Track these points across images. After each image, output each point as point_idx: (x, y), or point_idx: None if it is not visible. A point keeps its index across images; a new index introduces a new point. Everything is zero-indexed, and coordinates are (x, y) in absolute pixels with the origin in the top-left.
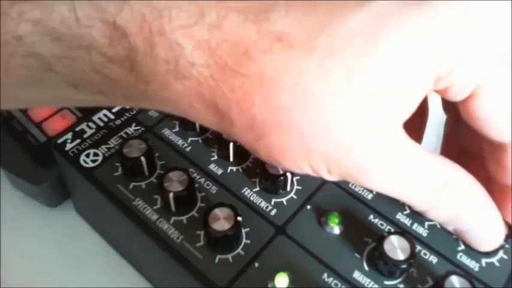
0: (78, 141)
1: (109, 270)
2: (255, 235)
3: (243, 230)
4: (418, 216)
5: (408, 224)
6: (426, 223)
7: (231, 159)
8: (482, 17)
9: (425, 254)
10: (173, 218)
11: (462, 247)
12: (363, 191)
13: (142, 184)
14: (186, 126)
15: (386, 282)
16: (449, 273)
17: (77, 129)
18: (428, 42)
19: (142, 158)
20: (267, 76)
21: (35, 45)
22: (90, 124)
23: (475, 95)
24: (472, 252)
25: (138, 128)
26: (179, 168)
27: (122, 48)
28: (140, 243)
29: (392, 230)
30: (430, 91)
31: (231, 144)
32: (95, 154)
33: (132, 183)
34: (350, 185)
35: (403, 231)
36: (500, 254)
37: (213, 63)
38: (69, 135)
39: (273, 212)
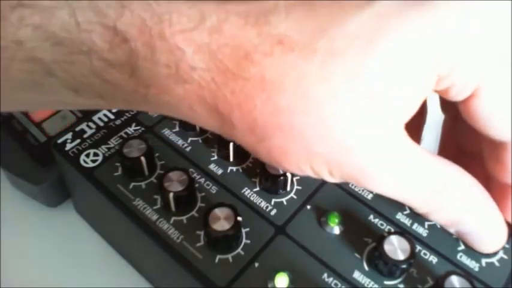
0: (78, 141)
1: (109, 270)
2: (255, 235)
3: (243, 230)
4: (418, 216)
5: (408, 224)
6: (426, 223)
7: (231, 159)
8: (482, 16)
9: (425, 254)
10: (173, 218)
11: (462, 247)
12: (363, 191)
13: (142, 184)
14: (186, 126)
15: (386, 282)
16: (449, 273)
17: (77, 129)
18: (429, 43)
19: (142, 158)
20: (268, 79)
21: (35, 50)
22: (90, 124)
23: (475, 95)
24: (472, 252)
25: (138, 128)
26: (179, 168)
27: (122, 53)
28: (140, 243)
29: (392, 230)
30: (431, 91)
31: (231, 144)
32: (95, 154)
33: (132, 183)
34: (350, 185)
35: (403, 231)
36: (500, 254)
37: (214, 67)
38: (69, 135)
39: (273, 212)
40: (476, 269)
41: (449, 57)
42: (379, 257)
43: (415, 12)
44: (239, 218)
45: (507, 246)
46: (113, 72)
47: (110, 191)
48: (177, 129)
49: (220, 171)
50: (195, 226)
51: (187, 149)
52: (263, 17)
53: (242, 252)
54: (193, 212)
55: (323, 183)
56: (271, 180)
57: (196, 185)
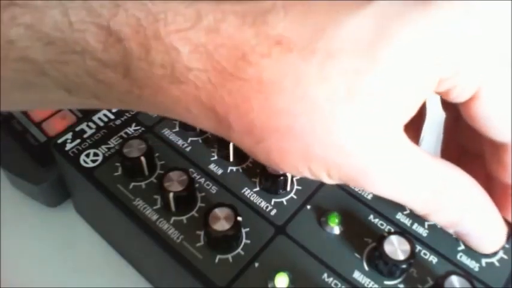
0: (78, 141)
1: (109, 270)
2: (255, 235)
3: (243, 230)
4: (418, 216)
5: (408, 224)
6: (426, 223)
7: (231, 159)
8: (482, 17)
9: (425, 254)
10: (173, 218)
11: (462, 247)
12: (363, 191)
13: (142, 184)
14: (186, 126)
15: (386, 282)
16: (449, 273)
17: (77, 129)
18: (430, 45)
19: (142, 158)
20: (266, 80)
21: (27, 50)
22: (90, 124)
23: (476, 97)
24: (472, 252)
25: (138, 128)
26: (179, 168)
27: (116, 53)
28: (140, 243)
29: (392, 230)
30: (432, 93)
31: (231, 144)
32: (95, 154)
33: (132, 183)
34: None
35: (403, 231)
36: (500, 254)
37: (211, 68)
38: (69, 135)
39: (273, 212)
40: (476, 269)
41: (451, 58)
42: (379, 257)
43: (416, 13)
44: (239, 218)
45: (507, 246)
46: (107, 72)
47: (110, 191)
48: (177, 129)
49: (220, 171)
50: (195, 226)
51: (187, 149)
52: (261, 16)
53: (242, 252)
54: (193, 212)
55: (323, 183)
56: (271, 180)
57: (196, 185)
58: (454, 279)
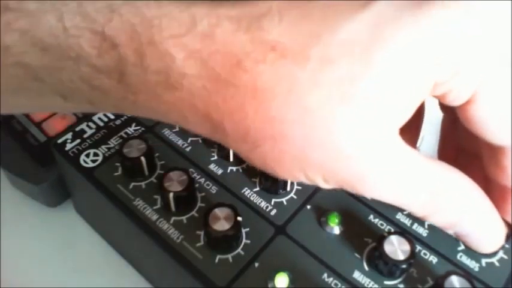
0: (78, 141)
1: (109, 270)
2: (255, 235)
3: (243, 230)
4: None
5: (408, 224)
6: (426, 223)
7: (231, 159)
8: (482, 17)
9: (425, 254)
10: (173, 218)
11: (462, 247)
12: None
13: (142, 184)
14: None
15: (386, 282)
16: (449, 273)
17: (77, 129)
18: (426, 47)
19: (142, 158)
20: (260, 87)
21: (22, 55)
22: (90, 124)
23: (473, 101)
24: (472, 252)
25: (138, 128)
26: (179, 168)
27: (110, 59)
28: (140, 243)
29: (392, 230)
30: (428, 96)
31: None
32: (95, 154)
33: (132, 183)
34: None
35: (403, 231)
36: (500, 254)
37: (205, 74)
38: (69, 135)
39: (273, 212)
40: (476, 269)
41: (449, 59)
42: (379, 257)
43: (412, 17)
44: (239, 218)
45: (507, 246)
46: (101, 78)
47: (110, 191)
48: (177, 129)
49: (220, 171)
50: (195, 226)
51: (187, 149)
52: (256, 22)
53: (242, 252)
54: (193, 212)
55: None
56: (271, 180)
57: (196, 185)
58: (454, 279)
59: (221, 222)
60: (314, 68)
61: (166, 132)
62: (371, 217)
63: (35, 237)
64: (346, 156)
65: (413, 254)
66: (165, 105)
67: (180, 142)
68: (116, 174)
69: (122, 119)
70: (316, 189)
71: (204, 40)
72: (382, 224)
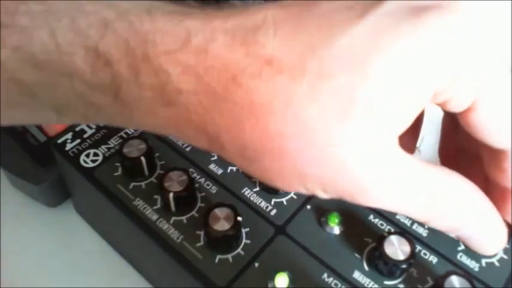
0: (78, 141)
1: (109, 270)
2: (255, 235)
3: (243, 230)
4: None
5: (408, 224)
6: None
7: None
8: (482, 20)
9: (425, 254)
10: (173, 218)
11: (462, 247)
12: None
13: (142, 184)
14: None
15: (386, 282)
16: (449, 273)
17: (77, 129)
18: (424, 59)
19: (142, 158)
20: (257, 102)
21: (15, 71)
22: (90, 124)
23: (474, 107)
24: (472, 252)
25: None
26: (179, 168)
27: (105, 76)
28: (140, 243)
29: (392, 230)
30: (427, 105)
31: None
32: (95, 154)
33: (132, 183)
34: None
35: (403, 231)
36: (500, 254)
37: (201, 90)
38: (69, 135)
39: (273, 212)
40: (476, 269)
41: (446, 71)
42: (379, 257)
43: (410, 27)
44: (239, 218)
45: (507, 246)
46: (96, 94)
47: (110, 191)
48: None
49: (220, 171)
50: (195, 226)
51: (187, 149)
52: (251, 35)
53: (242, 252)
54: (193, 212)
55: None
56: None
57: (196, 185)
58: (454, 279)
59: (221, 222)
60: (311, 82)
61: None
62: (371, 217)
63: (35, 237)
64: (345, 168)
65: (413, 254)
66: (161, 120)
67: (180, 142)
68: (116, 174)
69: None
70: None
71: (199, 55)
72: (382, 224)
